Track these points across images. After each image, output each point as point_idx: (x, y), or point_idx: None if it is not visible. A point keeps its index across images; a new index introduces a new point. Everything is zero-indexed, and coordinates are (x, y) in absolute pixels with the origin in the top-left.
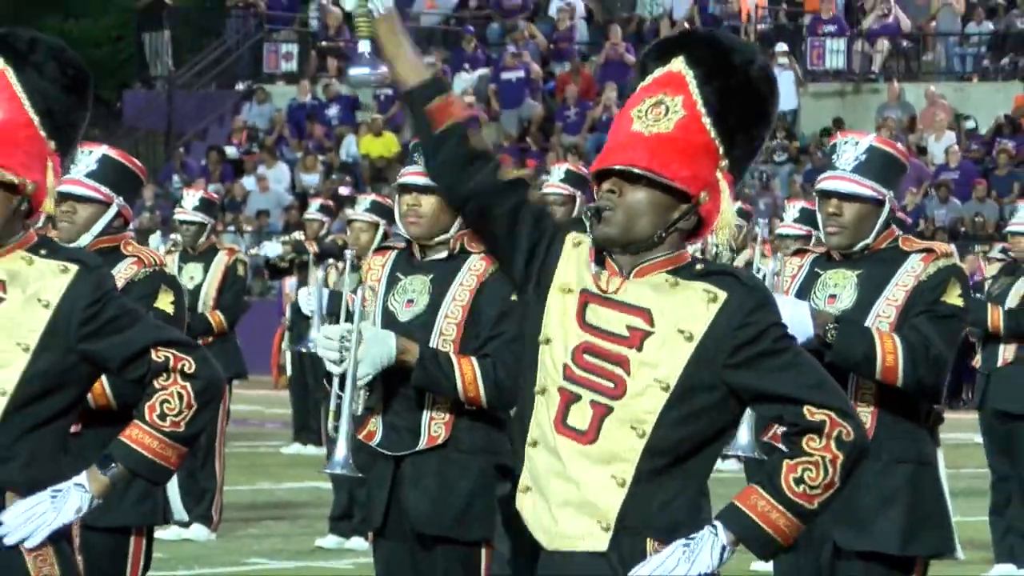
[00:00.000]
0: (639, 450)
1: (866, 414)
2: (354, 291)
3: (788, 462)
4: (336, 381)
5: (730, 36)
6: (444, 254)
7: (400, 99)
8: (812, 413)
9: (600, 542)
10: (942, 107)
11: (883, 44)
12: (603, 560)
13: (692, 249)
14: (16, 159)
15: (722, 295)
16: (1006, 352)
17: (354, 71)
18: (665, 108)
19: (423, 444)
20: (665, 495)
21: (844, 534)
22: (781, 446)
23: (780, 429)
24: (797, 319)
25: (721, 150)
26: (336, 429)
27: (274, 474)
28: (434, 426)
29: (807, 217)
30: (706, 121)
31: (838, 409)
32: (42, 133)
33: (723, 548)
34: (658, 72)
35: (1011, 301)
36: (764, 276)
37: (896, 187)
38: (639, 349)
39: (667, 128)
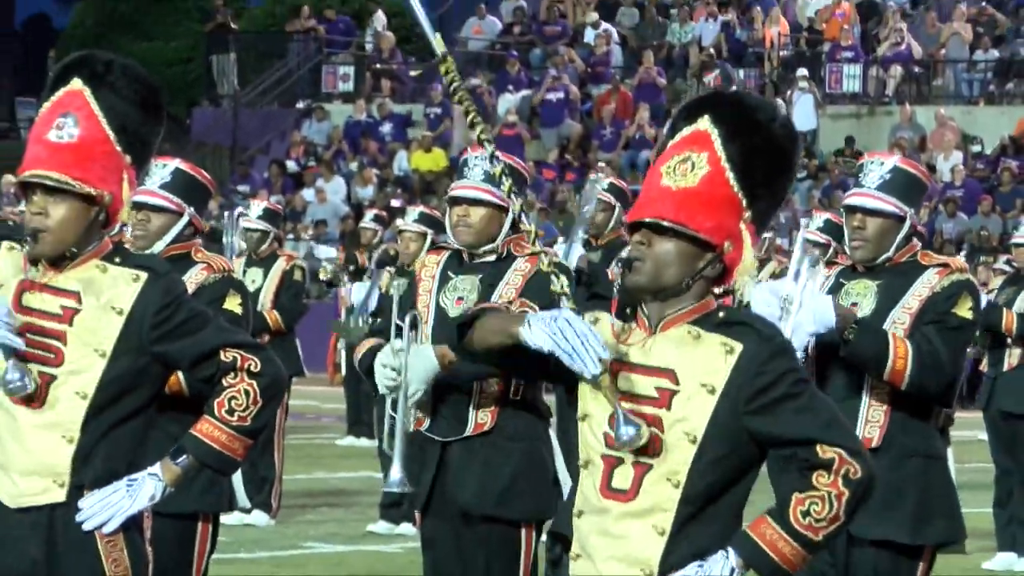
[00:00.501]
0: (676, 499)
1: (880, 412)
2: (402, 298)
3: (797, 495)
4: (388, 402)
5: (754, 96)
6: (493, 257)
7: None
8: (823, 451)
9: None
10: (951, 128)
11: (896, 70)
12: None
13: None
14: (94, 173)
15: (738, 347)
16: (1011, 357)
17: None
18: (691, 164)
19: (470, 431)
20: (699, 536)
21: (857, 523)
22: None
23: None
24: (821, 312)
25: (744, 202)
26: (391, 447)
27: (329, 464)
28: (480, 415)
29: (830, 229)
30: (730, 176)
31: (847, 448)
32: (118, 148)
33: (732, 570)
34: (686, 131)
35: (1019, 306)
36: (800, 273)
37: (917, 205)
38: (668, 408)
39: (693, 183)
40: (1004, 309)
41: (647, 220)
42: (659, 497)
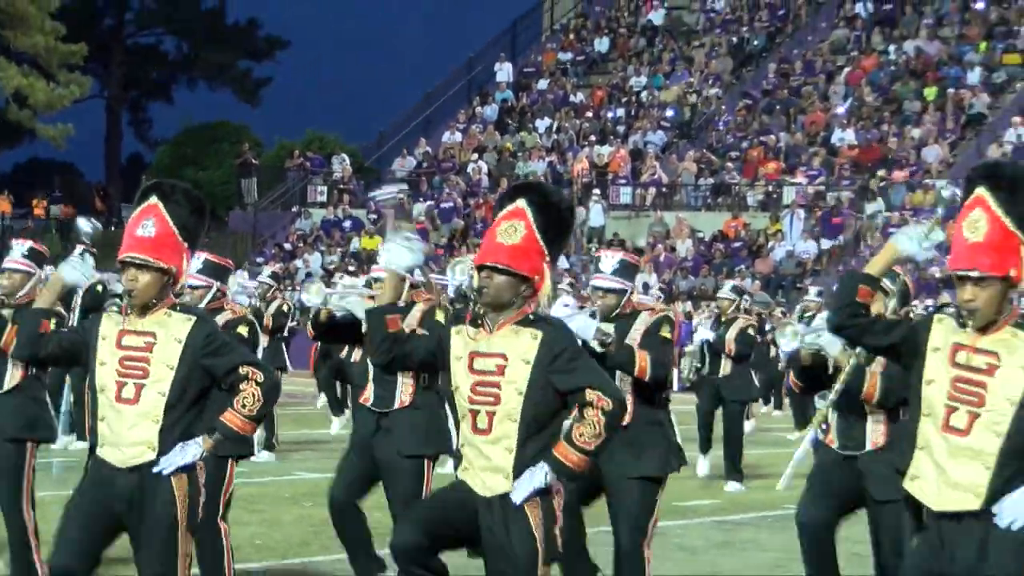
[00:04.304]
0: (515, 429)
1: (630, 401)
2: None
3: (576, 424)
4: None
5: (550, 186)
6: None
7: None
8: (588, 394)
9: (507, 486)
10: (685, 225)
11: (652, 190)
12: (508, 495)
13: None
14: (165, 254)
15: (540, 334)
16: (725, 368)
17: (378, 193)
18: (515, 228)
19: (396, 405)
20: (532, 451)
21: (623, 466)
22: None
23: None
24: (585, 328)
25: (546, 251)
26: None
27: (310, 424)
28: (402, 396)
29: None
30: (537, 235)
31: (603, 390)
32: (179, 239)
33: (546, 474)
34: (511, 206)
35: (729, 337)
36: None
37: (633, 280)
38: (503, 375)
39: (516, 240)
40: (724, 338)
41: (488, 263)
42: (505, 430)
